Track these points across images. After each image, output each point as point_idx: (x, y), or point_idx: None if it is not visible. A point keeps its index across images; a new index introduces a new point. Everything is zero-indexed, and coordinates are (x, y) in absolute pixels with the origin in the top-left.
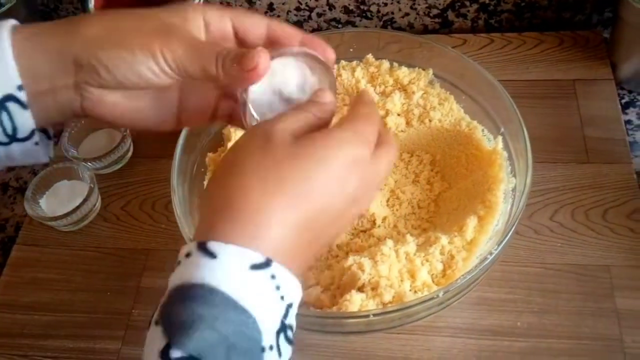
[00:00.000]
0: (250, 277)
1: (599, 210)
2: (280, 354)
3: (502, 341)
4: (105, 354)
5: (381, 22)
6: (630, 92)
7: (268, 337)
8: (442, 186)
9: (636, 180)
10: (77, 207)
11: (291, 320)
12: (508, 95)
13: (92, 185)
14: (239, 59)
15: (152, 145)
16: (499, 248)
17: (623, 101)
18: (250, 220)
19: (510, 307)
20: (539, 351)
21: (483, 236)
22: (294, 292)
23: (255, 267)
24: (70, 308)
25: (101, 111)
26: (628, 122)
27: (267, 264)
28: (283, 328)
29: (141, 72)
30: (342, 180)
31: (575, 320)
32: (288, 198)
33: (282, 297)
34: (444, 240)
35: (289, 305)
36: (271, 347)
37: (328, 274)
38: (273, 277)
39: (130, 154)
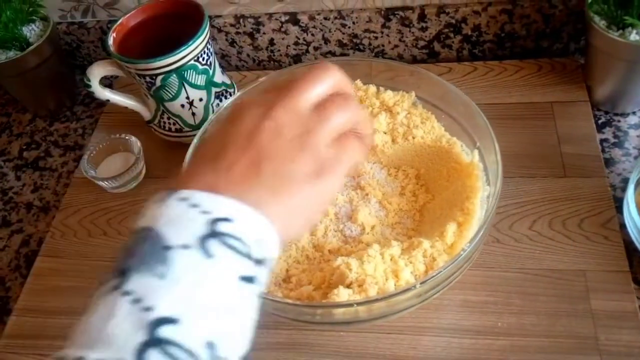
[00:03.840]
0: (158, 207)
1: (575, 220)
2: (209, 255)
3: (484, 340)
4: None
5: (373, 54)
6: (606, 113)
7: (178, 239)
8: (426, 197)
9: (611, 193)
10: None
11: (227, 229)
12: (482, 114)
13: None
14: None
15: (162, 166)
16: (471, 246)
17: (600, 121)
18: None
19: (491, 309)
20: (518, 349)
21: (462, 240)
22: (223, 208)
23: (158, 200)
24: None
25: None
26: (605, 140)
27: (170, 192)
28: (213, 235)
29: None
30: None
31: (552, 320)
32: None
33: (204, 212)
34: (426, 244)
35: (219, 218)
36: (185, 246)
37: (319, 275)
38: (183, 199)
39: (142, 174)
